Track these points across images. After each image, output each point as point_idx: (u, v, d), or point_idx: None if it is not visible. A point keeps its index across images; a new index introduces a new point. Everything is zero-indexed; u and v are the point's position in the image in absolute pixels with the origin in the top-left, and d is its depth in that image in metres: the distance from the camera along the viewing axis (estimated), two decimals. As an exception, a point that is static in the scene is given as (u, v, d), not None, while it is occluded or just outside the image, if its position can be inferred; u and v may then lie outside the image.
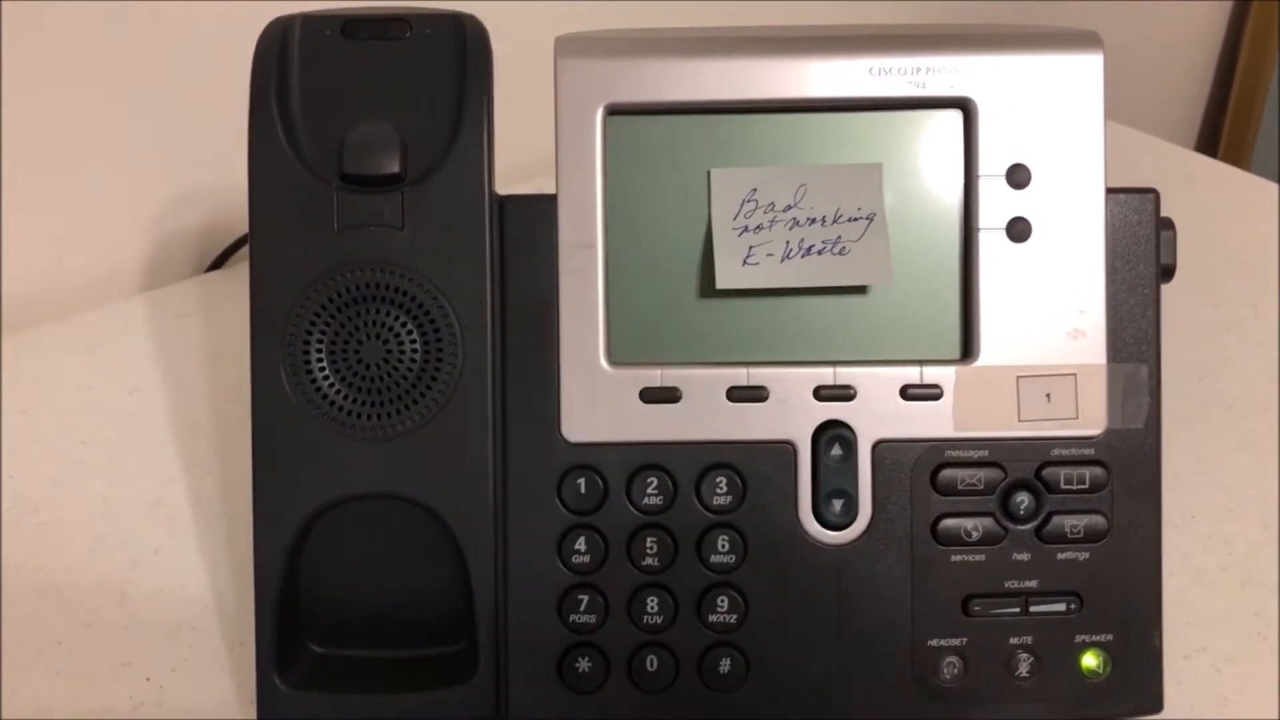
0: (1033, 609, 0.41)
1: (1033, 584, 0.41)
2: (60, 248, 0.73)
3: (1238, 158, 1.28)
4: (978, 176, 0.41)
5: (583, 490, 0.41)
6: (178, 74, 0.73)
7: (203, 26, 0.72)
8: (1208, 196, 0.83)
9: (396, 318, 0.40)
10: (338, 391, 0.40)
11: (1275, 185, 0.84)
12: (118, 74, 0.72)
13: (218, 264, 0.76)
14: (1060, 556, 0.41)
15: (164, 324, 0.69)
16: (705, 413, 0.41)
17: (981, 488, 0.41)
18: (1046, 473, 0.41)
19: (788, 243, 0.41)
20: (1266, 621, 0.48)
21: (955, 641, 0.41)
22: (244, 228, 0.41)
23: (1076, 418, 0.41)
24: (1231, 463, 0.57)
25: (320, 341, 0.40)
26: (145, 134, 0.74)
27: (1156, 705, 0.42)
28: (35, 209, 0.72)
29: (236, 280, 0.41)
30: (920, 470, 0.41)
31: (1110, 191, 0.41)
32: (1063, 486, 0.41)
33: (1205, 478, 0.56)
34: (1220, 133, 1.32)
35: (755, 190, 0.41)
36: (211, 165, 0.75)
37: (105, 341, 0.67)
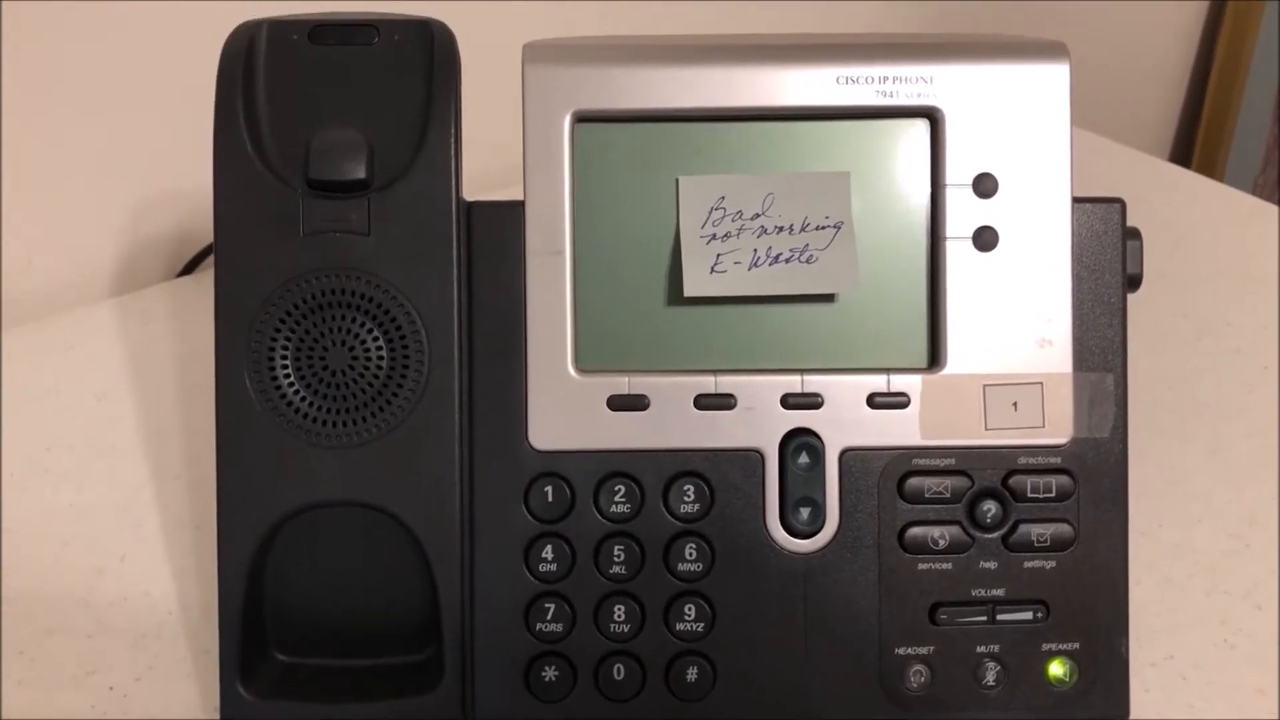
0: (1000, 617, 0.41)
1: (1000, 592, 0.42)
2: (29, 251, 0.73)
3: (1211, 168, 1.29)
4: (944, 185, 0.41)
5: (550, 498, 0.41)
6: (151, 78, 0.73)
7: (178, 30, 0.72)
8: (1181, 206, 0.83)
9: (362, 324, 0.40)
10: (303, 398, 0.40)
11: (1247, 196, 0.85)
12: (90, 77, 0.71)
13: (188, 269, 0.75)
14: (1027, 565, 0.42)
15: (133, 329, 0.68)
16: (673, 420, 0.41)
17: (948, 496, 0.41)
18: (1013, 481, 0.41)
19: (755, 251, 0.41)
20: (1233, 629, 0.48)
21: (922, 650, 0.41)
22: (213, 233, 0.41)
23: (1043, 426, 0.42)
24: (1200, 471, 0.57)
25: (285, 348, 0.40)
26: (117, 138, 0.74)
27: (1123, 713, 0.42)
28: (4, 212, 0.71)
29: (207, 286, 0.41)
30: (887, 478, 0.41)
31: (1077, 201, 0.42)
32: (1029, 495, 0.41)
33: (1174, 486, 0.56)
34: (1194, 143, 1.32)
35: (724, 198, 0.41)
36: (184, 171, 0.74)
37: (73, 346, 0.67)
